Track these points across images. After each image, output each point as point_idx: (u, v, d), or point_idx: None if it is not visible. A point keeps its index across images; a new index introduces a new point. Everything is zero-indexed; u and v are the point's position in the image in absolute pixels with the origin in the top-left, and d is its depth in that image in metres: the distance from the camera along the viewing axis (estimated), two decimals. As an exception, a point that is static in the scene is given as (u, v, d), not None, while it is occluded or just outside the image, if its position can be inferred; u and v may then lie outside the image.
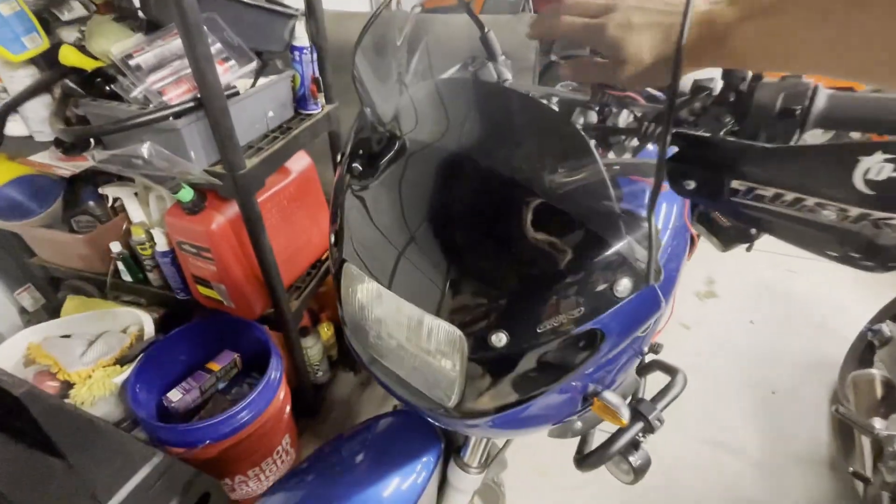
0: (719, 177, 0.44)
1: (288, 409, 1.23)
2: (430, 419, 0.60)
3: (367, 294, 0.54)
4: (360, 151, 0.57)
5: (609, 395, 0.61)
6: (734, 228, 1.31)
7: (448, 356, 0.47)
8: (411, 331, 0.50)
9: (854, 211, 0.36)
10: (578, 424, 0.76)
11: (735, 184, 0.43)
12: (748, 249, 1.40)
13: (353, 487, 0.71)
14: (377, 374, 0.61)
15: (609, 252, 0.42)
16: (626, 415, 0.60)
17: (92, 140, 0.90)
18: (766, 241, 2.10)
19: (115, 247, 1.26)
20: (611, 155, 0.57)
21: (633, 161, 0.53)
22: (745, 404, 1.67)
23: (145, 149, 0.80)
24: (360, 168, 0.55)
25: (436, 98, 0.53)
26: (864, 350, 1.58)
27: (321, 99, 1.24)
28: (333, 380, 1.66)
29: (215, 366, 1.21)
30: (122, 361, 1.08)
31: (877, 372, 1.29)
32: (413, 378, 0.55)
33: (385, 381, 0.59)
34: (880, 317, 1.56)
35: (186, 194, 0.98)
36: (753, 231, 1.29)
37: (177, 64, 0.88)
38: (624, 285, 0.43)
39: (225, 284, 1.12)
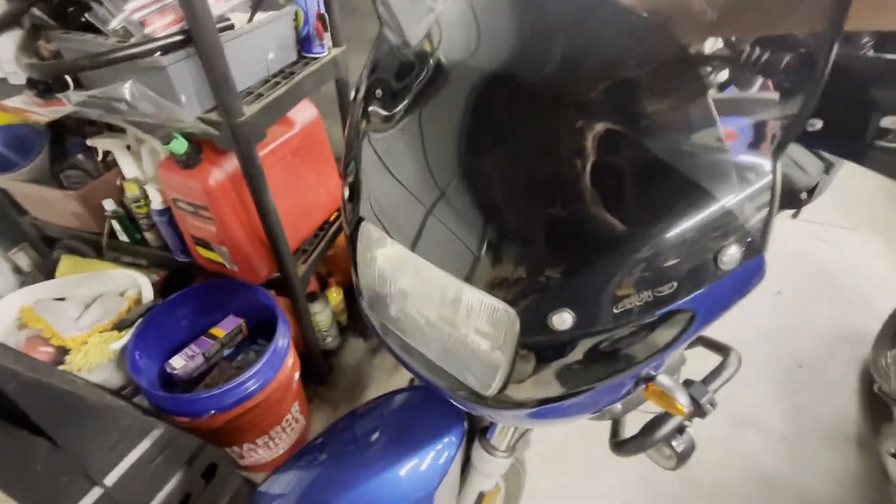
0: (863, 113, 0.33)
1: (297, 376, 1.17)
2: (455, 403, 0.52)
3: (388, 260, 0.44)
4: (379, 89, 0.46)
5: (665, 380, 0.52)
6: (783, 192, 1.19)
7: (492, 338, 0.39)
8: (445, 306, 0.41)
9: None
10: (619, 407, 0.69)
11: (888, 122, 0.32)
12: (794, 216, 1.29)
13: (368, 469, 0.65)
14: (395, 349, 0.52)
15: (716, 211, 0.32)
16: (683, 401, 0.51)
17: (70, 81, 0.79)
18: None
19: (109, 204, 1.17)
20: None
21: (738, 96, 0.42)
22: (770, 378, 1.60)
23: (127, 89, 0.69)
24: (380, 108, 0.44)
25: (484, 3, 0.41)
26: (902, 324, 1.49)
27: (327, 40, 1.10)
28: (343, 346, 1.60)
29: (220, 332, 1.14)
30: (119, 326, 1.01)
31: (923, 350, 1.20)
32: (443, 360, 0.46)
33: (405, 359, 0.51)
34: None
35: (180, 146, 0.88)
36: (804, 195, 1.18)
37: (160, -9, 0.76)
38: (731, 255, 0.33)
39: (227, 246, 1.04)
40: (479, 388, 0.44)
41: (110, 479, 0.67)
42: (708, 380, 0.70)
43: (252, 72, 0.95)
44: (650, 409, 0.65)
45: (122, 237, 1.24)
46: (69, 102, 0.72)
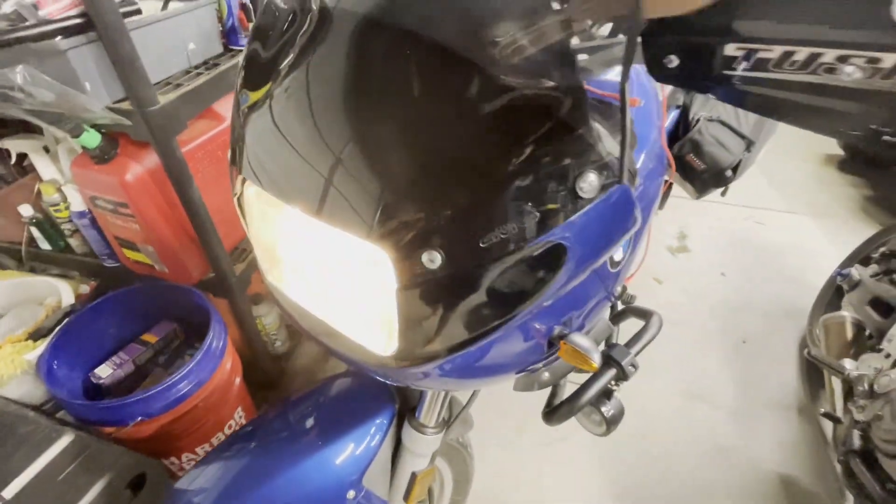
0: (709, 44, 0.34)
1: (238, 380, 1.13)
2: (375, 376, 0.51)
3: (264, 212, 0.43)
4: (261, 53, 0.45)
5: (577, 338, 0.53)
6: (708, 171, 1.25)
7: (378, 287, 0.38)
8: (330, 260, 0.40)
9: (889, 59, 0.27)
10: (545, 375, 0.69)
11: (730, 49, 0.33)
12: (723, 194, 1.35)
13: (296, 455, 0.63)
14: (297, 324, 0.51)
15: (572, 138, 0.32)
16: (596, 358, 0.52)
17: (-40, 70, 0.73)
18: (734, 194, 2.07)
19: (26, 210, 1.10)
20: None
21: (601, 43, 0.43)
22: (717, 353, 1.66)
23: (18, 73, 0.65)
24: (258, 67, 0.43)
25: None
26: (832, 295, 1.58)
27: (255, 32, 1.08)
28: (295, 349, 1.56)
29: (151, 337, 1.09)
30: (35, 336, 0.95)
31: (847, 314, 1.27)
32: (346, 326, 0.45)
33: (309, 330, 0.49)
34: (849, 262, 1.55)
35: (91, 139, 0.84)
36: (729, 173, 1.24)
37: (56, -28, 0.72)
38: (590, 182, 0.33)
39: (153, 245, 0.99)
40: (384, 349, 0.43)
41: (9, 492, 0.62)
42: (630, 343, 0.72)
43: (170, 62, 0.92)
44: (580, 380, 0.66)
45: (45, 245, 1.17)
46: (-46, 90, 0.67)
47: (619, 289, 0.65)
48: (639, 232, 0.64)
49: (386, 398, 0.70)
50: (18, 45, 0.67)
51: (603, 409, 0.69)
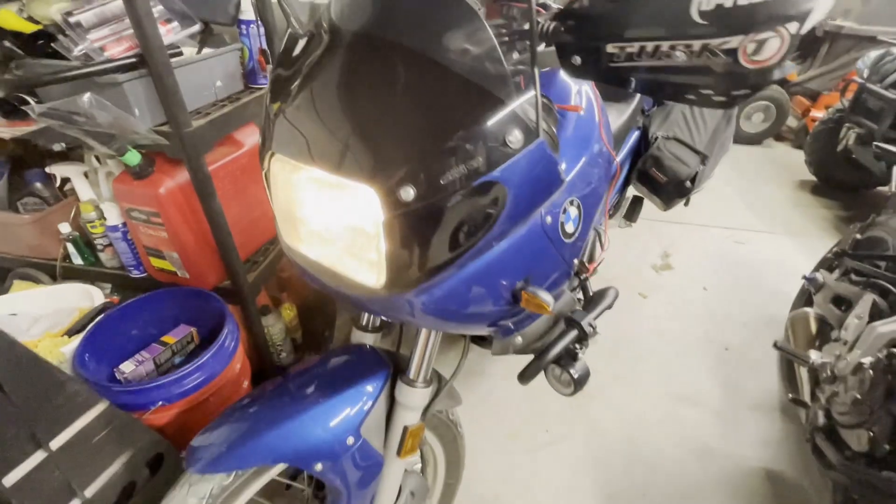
0: (597, 45, 0.49)
1: (246, 383, 1.22)
2: (371, 311, 0.61)
3: (287, 178, 0.56)
4: (283, 68, 0.61)
5: (534, 288, 0.65)
6: (670, 183, 1.40)
7: (368, 222, 0.51)
8: (330, 203, 0.53)
9: (696, 44, 0.42)
10: (518, 339, 0.80)
11: (610, 48, 0.49)
12: (686, 204, 1.50)
13: (300, 411, 0.72)
14: (311, 275, 0.63)
15: (501, 107, 0.47)
16: (549, 300, 0.63)
17: (33, 102, 0.90)
18: (714, 217, 2.27)
19: (64, 228, 1.24)
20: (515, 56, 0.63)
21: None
22: (701, 361, 1.74)
23: (86, 99, 0.82)
24: (282, 79, 0.59)
25: None
26: (805, 300, 1.68)
27: (270, 73, 1.28)
28: (298, 363, 1.64)
29: (170, 339, 1.19)
30: (70, 333, 1.06)
31: (810, 310, 1.38)
32: (346, 267, 0.58)
33: (320, 278, 0.62)
34: (816, 269, 1.67)
35: (133, 157, 0.99)
36: (688, 184, 1.39)
37: (118, 25, 0.91)
38: (516, 136, 0.47)
39: (177, 252, 1.13)
40: (373, 282, 0.55)
41: (55, 444, 0.71)
42: (588, 309, 0.83)
43: (201, 95, 1.09)
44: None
45: (77, 261, 1.31)
46: (33, 114, 0.83)
47: (575, 260, 0.77)
48: (589, 215, 0.77)
49: (380, 364, 0.81)
50: (87, 78, 0.83)
51: (571, 370, 0.79)
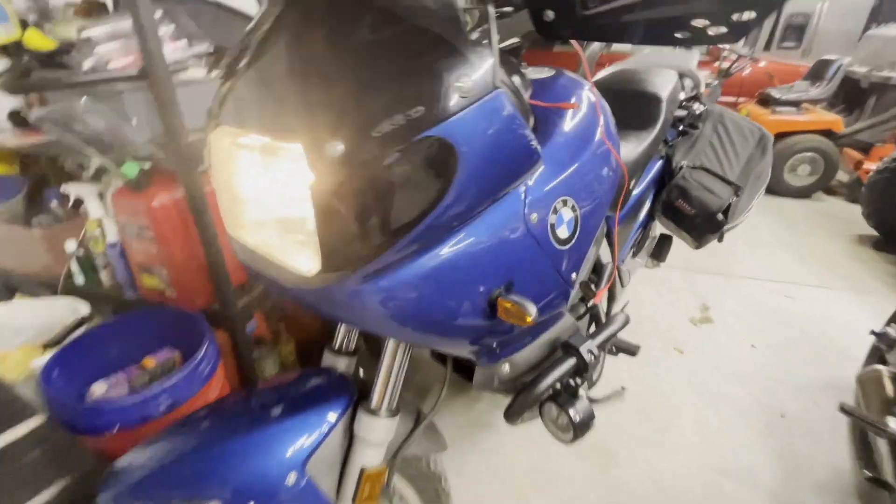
0: (569, -5, 0.42)
1: (226, 414, 1.12)
2: (313, 308, 0.52)
3: (227, 151, 0.51)
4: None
5: (513, 296, 0.55)
6: (699, 216, 1.26)
7: (296, 188, 0.43)
8: (264, 172, 0.47)
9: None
10: (505, 368, 0.67)
11: (583, -7, 0.41)
12: (720, 240, 1.35)
13: (244, 433, 0.62)
14: (254, 270, 0.56)
15: (447, 49, 0.39)
16: (531, 310, 0.53)
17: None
18: (759, 269, 2.08)
19: (70, 245, 1.25)
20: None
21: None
22: (751, 428, 1.48)
23: (81, 104, 0.83)
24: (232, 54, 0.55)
25: None
26: (876, 359, 1.42)
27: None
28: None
29: (151, 362, 1.13)
30: (48, 345, 1.02)
31: (884, 368, 1.14)
32: (280, 249, 0.50)
33: (262, 270, 0.54)
34: (888, 323, 1.43)
35: (131, 169, 0.99)
36: (720, 217, 1.25)
37: (128, 40, 0.94)
38: (466, 84, 0.39)
39: (166, 268, 1.09)
40: (309, 268, 0.47)
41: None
42: (594, 334, 0.70)
43: (200, 115, 1.10)
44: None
45: (79, 279, 1.30)
46: (31, 119, 0.85)
47: (572, 275, 0.66)
48: (588, 222, 0.67)
49: (344, 389, 0.69)
50: (87, 87, 0.85)
51: (569, 410, 0.66)
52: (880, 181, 2.58)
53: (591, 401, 1.64)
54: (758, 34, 5.41)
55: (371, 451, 0.64)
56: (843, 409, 1.06)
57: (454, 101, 0.40)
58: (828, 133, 3.24)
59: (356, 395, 0.69)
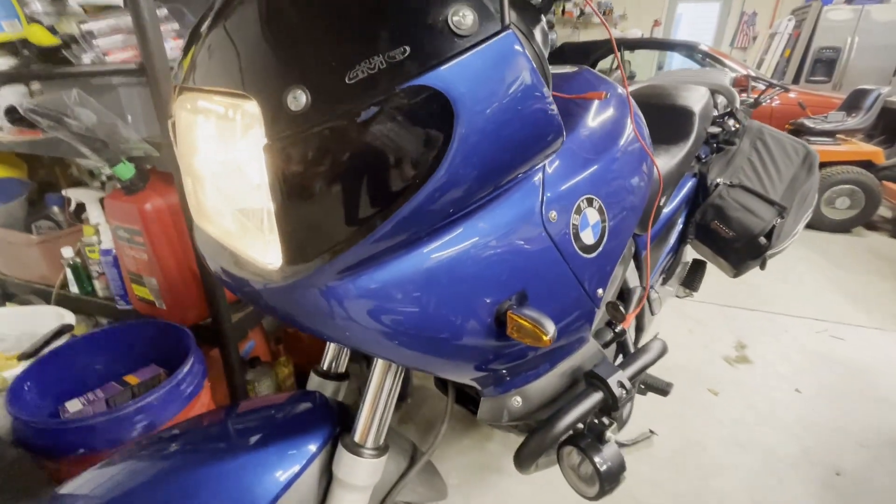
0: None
1: (209, 441, 1.02)
2: (281, 317, 0.42)
3: (188, 119, 0.43)
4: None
5: (525, 309, 0.44)
6: (739, 240, 1.14)
7: (252, 156, 0.34)
8: (222, 140, 0.38)
9: None
10: (517, 402, 0.56)
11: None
12: (762, 267, 1.21)
13: (205, 465, 0.52)
14: (219, 267, 0.47)
15: None
16: (549, 329, 0.42)
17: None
18: (803, 306, 1.91)
19: (67, 251, 1.20)
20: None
21: None
22: (802, 488, 1.28)
23: (72, 96, 0.78)
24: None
25: None
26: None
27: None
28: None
29: (133, 379, 1.04)
30: (23, 357, 0.94)
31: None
32: (241, 239, 0.41)
33: (227, 269, 0.45)
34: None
35: (125, 170, 0.94)
36: (763, 240, 1.12)
37: (130, 35, 0.91)
38: (465, 17, 0.31)
39: (156, 278, 1.02)
40: (269, 259, 0.38)
41: None
42: (625, 364, 0.58)
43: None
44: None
45: (74, 288, 1.25)
46: (20, 110, 0.81)
47: (598, 291, 0.55)
48: (618, 229, 0.56)
49: (325, 419, 0.59)
50: (86, 77, 0.81)
51: (595, 457, 0.54)
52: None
53: (620, 445, 1.47)
54: (785, 67, 5.31)
55: (352, 496, 0.53)
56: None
57: (449, 41, 0.31)
58: (867, 165, 3.06)
59: (337, 427, 0.59)
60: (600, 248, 0.53)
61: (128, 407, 0.83)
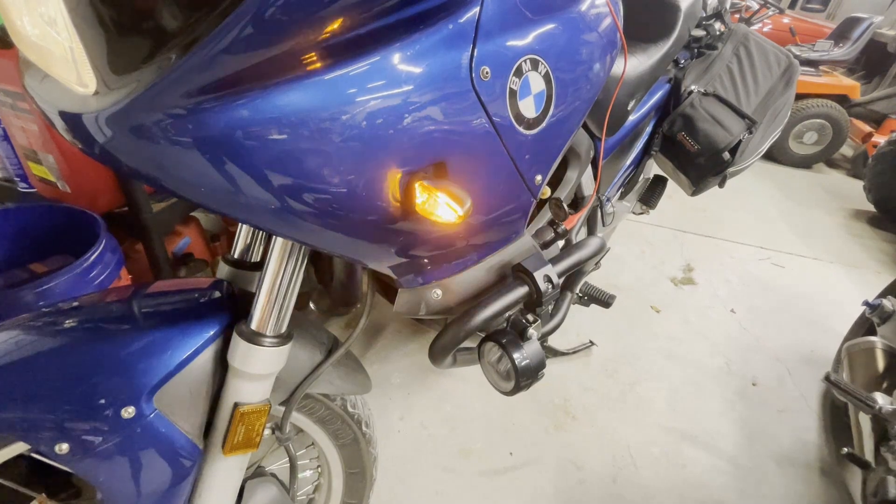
0: None
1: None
2: (109, 152, 0.32)
3: None
4: None
5: (441, 181, 0.37)
6: (703, 154, 1.09)
7: None
8: None
9: None
10: (436, 293, 0.51)
11: None
12: (721, 185, 1.18)
13: (91, 342, 0.46)
14: (46, 110, 0.37)
15: None
16: (462, 195, 0.36)
17: None
18: (750, 234, 1.90)
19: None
20: None
21: None
22: (719, 395, 1.39)
23: None
24: None
25: None
26: (865, 331, 1.33)
27: None
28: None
29: (41, 267, 0.95)
30: None
31: (877, 339, 1.03)
32: (57, 62, 0.31)
33: (50, 104, 0.35)
34: (881, 295, 1.32)
35: None
36: (727, 156, 1.08)
37: None
38: None
39: (52, 155, 0.89)
40: (88, 86, 0.28)
41: None
42: (556, 259, 0.54)
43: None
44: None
45: (-32, 168, 1.09)
46: None
47: (537, 177, 0.49)
48: (565, 101, 0.48)
49: (224, 308, 0.53)
50: None
51: (514, 353, 0.50)
52: (887, 154, 2.42)
53: (548, 348, 1.51)
54: (784, -9, 5.01)
55: (248, 385, 0.49)
56: (828, 379, 0.95)
57: None
58: (842, 100, 3.02)
59: (231, 314, 0.53)
60: (543, 125, 0.46)
61: (26, 289, 0.75)
